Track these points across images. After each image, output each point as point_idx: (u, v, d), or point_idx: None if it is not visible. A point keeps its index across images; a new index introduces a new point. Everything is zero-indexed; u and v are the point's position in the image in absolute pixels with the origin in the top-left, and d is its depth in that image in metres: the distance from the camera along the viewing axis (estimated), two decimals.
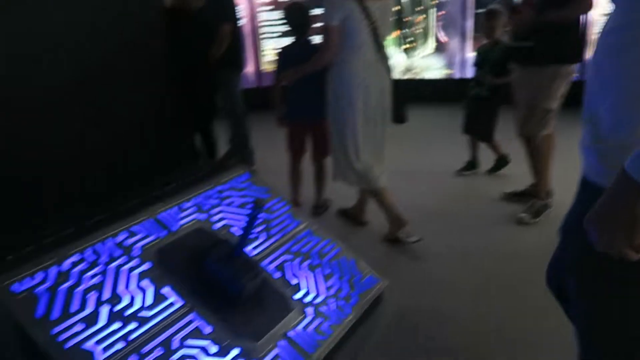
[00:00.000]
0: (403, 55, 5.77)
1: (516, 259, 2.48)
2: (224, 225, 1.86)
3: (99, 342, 1.32)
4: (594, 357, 1.07)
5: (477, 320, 2.04)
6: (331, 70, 2.51)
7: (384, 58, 2.47)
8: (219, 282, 1.57)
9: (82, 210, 1.76)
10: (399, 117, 2.59)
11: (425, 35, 5.66)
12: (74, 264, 1.47)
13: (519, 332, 1.96)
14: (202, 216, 1.85)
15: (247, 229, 1.52)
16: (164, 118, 2.11)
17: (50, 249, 1.48)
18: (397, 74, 2.68)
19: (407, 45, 5.74)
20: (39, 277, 1.39)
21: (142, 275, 1.54)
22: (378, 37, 2.42)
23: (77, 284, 1.42)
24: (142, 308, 1.45)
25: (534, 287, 1.66)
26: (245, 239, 1.56)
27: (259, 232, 1.91)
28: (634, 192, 0.74)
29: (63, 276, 1.42)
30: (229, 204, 1.96)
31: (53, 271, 1.42)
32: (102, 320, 1.37)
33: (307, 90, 2.71)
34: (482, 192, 3.30)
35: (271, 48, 5.68)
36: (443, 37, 5.62)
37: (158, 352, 1.38)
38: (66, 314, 1.34)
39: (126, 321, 1.40)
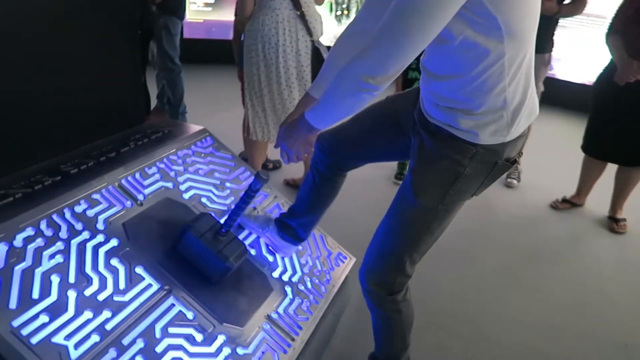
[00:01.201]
0: (334, 22, 5.65)
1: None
2: (193, 195, 1.67)
3: (70, 335, 1.11)
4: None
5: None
6: (246, 27, 2.37)
7: (302, 18, 2.32)
8: (201, 260, 1.41)
9: (28, 169, 1.45)
10: None
11: (359, 2, 5.58)
12: (28, 240, 1.20)
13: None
14: (169, 184, 1.64)
15: (241, 205, 1.37)
16: (117, 68, 1.80)
17: None
18: (323, 39, 2.49)
19: (339, 12, 5.63)
20: None
21: (110, 254, 1.32)
22: None
23: (35, 264, 1.17)
24: (114, 292, 1.25)
25: None
26: (236, 215, 1.40)
27: (228, 206, 1.75)
28: (308, 128, 1.14)
29: (16, 255, 1.16)
30: (195, 172, 1.76)
31: (2, 249, 1.15)
32: (71, 309, 1.15)
33: None
34: None
35: None
36: None
37: (140, 344, 1.20)
38: (27, 302, 1.10)
39: (99, 309, 1.19)
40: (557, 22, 2.82)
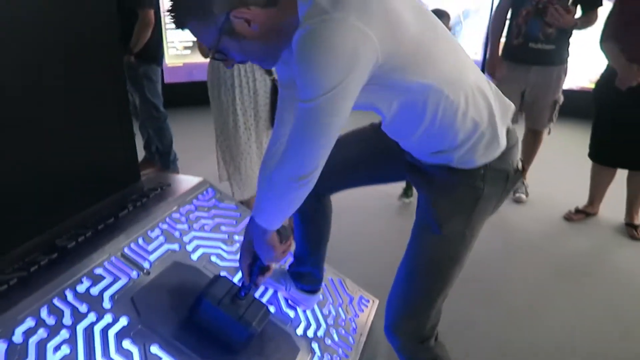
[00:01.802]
0: None
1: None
2: (202, 255, 1.55)
3: None
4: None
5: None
6: (207, 74, 2.36)
7: None
8: (221, 328, 1.28)
9: (20, 249, 1.32)
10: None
11: None
12: (28, 333, 1.07)
13: None
14: (175, 246, 1.52)
15: (261, 264, 1.25)
16: (106, 125, 1.69)
17: None
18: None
19: None
20: None
21: (120, 335, 1.18)
22: None
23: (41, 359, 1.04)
24: None
25: None
26: (256, 276, 1.28)
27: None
28: (262, 231, 1.12)
29: (17, 352, 1.02)
30: (200, 228, 1.65)
31: (1, 348, 1.01)
32: None
33: None
34: None
35: (179, 40, 5.16)
36: None
37: None
38: None
39: None
40: (572, 34, 2.79)
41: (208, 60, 2.34)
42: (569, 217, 2.87)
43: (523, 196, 3.08)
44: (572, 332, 1.97)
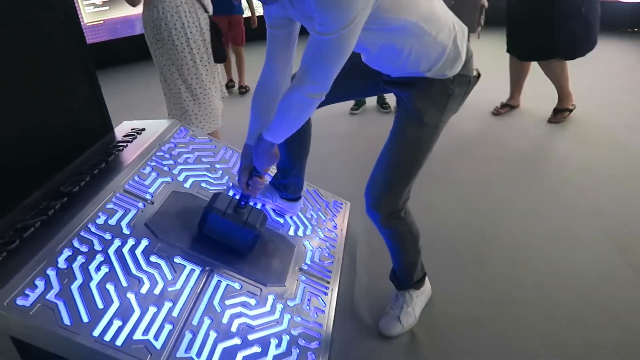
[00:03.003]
0: None
1: None
2: (193, 183, 1.72)
3: (146, 330, 1.17)
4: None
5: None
6: (144, 19, 2.35)
7: None
8: (229, 234, 1.48)
9: (28, 201, 1.43)
10: (217, 56, 2.49)
11: None
12: (70, 259, 1.23)
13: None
14: (167, 179, 1.67)
15: (257, 175, 1.45)
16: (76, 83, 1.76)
17: (28, 251, 1.20)
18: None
19: None
20: (40, 284, 1.13)
21: (146, 252, 1.36)
22: None
23: (87, 279, 1.20)
24: (166, 284, 1.31)
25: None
26: (254, 186, 1.48)
27: (225, 184, 1.82)
28: (270, 145, 1.34)
29: (67, 276, 1.18)
30: (184, 162, 1.80)
31: (52, 274, 1.17)
32: (137, 308, 1.20)
33: None
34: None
35: None
36: None
37: (207, 321, 1.28)
38: (97, 313, 1.14)
39: (160, 301, 1.25)
40: None
41: (135, 10, 2.29)
42: (496, 112, 3.24)
43: None
44: (517, 214, 2.35)
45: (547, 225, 2.16)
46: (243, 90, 4.47)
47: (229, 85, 4.47)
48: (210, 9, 2.45)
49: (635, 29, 4.85)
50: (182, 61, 2.38)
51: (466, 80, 1.38)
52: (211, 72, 2.49)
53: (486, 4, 3.20)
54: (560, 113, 3.12)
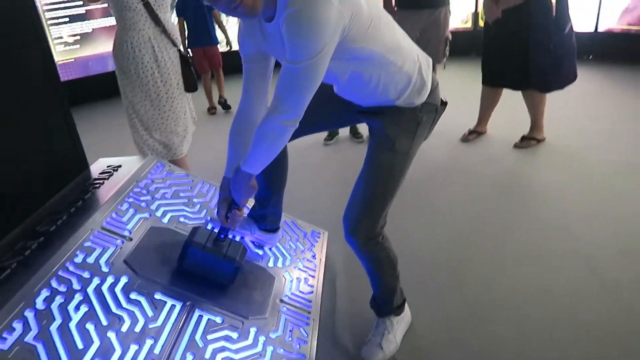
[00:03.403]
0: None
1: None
2: (171, 218, 1.73)
3: None
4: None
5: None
6: (114, 51, 2.47)
7: (165, 32, 2.46)
8: (209, 268, 1.49)
9: (3, 242, 1.42)
10: (188, 86, 2.63)
11: None
12: (48, 300, 1.21)
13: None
14: (145, 214, 1.67)
15: (236, 207, 1.47)
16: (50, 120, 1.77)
17: (4, 293, 1.19)
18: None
19: None
20: (18, 327, 1.11)
21: (126, 290, 1.35)
22: (154, 11, 2.41)
23: (66, 320, 1.19)
24: (147, 321, 1.30)
25: None
26: (233, 218, 1.49)
27: (204, 219, 1.83)
28: (248, 176, 1.36)
29: (46, 317, 1.17)
30: (162, 197, 1.81)
31: (30, 315, 1.15)
32: (117, 347, 1.19)
33: (199, 25, 4.40)
34: None
35: (69, 34, 4.93)
36: None
37: (190, 357, 1.27)
38: (76, 354, 1.13)
39: (141, 339, 1.24)
40: None
41: (107, 48, 2.44)
42: (465, 139, 3.36)
43: None
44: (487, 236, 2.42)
45: (518, 246, 2.23)
46: (222, 100, 4.83)
47: (211, 112, 4.83)
48: (179, 43, 2.56)
49: (589, 57, 5.15)
50: (145, 94, 2.48)
51: (433, 108, 1.46)
52: (180, 101, 2.59)
53: (450, 36, 3.36)
54: (527, 141, 3.26)
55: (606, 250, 2.14)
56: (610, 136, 3.36)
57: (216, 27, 4.60)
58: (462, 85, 3.63)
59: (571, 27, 2.96)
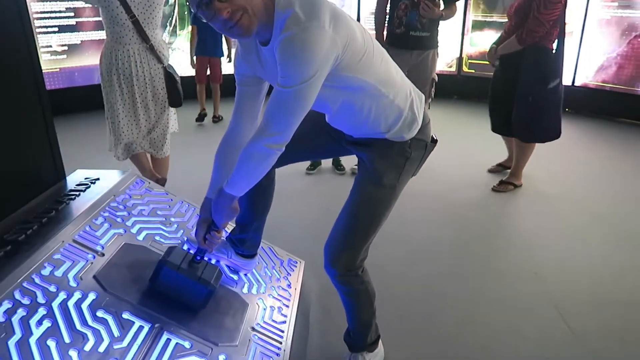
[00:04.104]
0: None
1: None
2: (146, 236, 1.68)
3: None
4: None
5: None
6: (101, 60, 2.64)
7: (152, 49, 2.61)
8: (182, 289, 1.44)
9: None
10: (172, 101, 2.78)
11: None
12: (9, 312, 1.15)
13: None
14: (120, 230, 1.63)
15: (215, 229, 1.44)
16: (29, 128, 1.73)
17: None
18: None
19: None
20: None
21: (93, 307, 1.30)
22: (142, 29, 2.54)
23: (27, 334, 1.13)
24: (112, 341, 1.24)
25: None
26: (210, 240, 1.46)
27: (180, 239, 1.79)
28: (230, 198, 1.35)
29: (5, 329, 1.11)
30: (139, 214, 1.77)
31: None
32: None
33: (208, 36, 4.70)
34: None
35: (58, 43, 4.90)
36: None
37: None
38: None
39: None
40: (439, 23, 3.36)
41: (93, 60, 2.64)
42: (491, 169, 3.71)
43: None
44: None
45: (491, 288, 2.25)
46: (216, 119, 5.08)
47: (202, 115, 5.05)
48: (165, 60, 2.70)
49: (567, 109, 5.35)
50: (125, 103, 2.67)
51: (423, 144, 1.47)
52: (157, 115, 2.77)
53: (436, 78, 3.45)
54: (505, 185, 3.33)
55: (576, 298, 2.17)
56: (585, 186, 3.46)
57: (223, 40, 4.85)
58: (442, 127, 3.70)
59: (559, 84, 3.05)
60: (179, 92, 2.76)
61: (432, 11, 3.21)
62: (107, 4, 2.46)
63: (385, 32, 3.43)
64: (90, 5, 2.64)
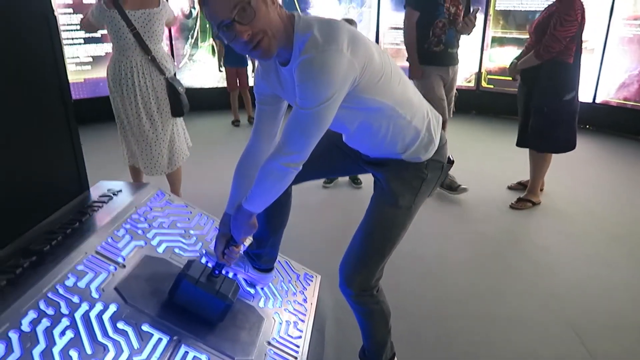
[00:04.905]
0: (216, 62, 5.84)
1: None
2: (166, 249, 1.71)
3: None
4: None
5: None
6: (108, 73, 2.79)
7: (154, 61, 2.74)
8: (200, 303, 1.47)
9: (3, 256, 1.40)
10: (174, 111, 2.87)
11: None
12: (34, 322, 1.19)
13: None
14: (141, 242, 1.66)
15: (234, 244, 1.46)
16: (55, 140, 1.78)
17: None
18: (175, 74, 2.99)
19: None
20: (0, 347, 1.08)
21: (114, 318, 1.33)
22: (143, 41, 2.68)
23: (50, 344, 1.16)
24: (132, 354, 1.27)
25: None
26: (230, 255, 1.49)
27: (199, 252, 1.82)
28: (249, 215, 1.37)
29: (30, 339, 1.14)
30: (159, 226, 1.80)
31: (14, 337, 1.12)
32: None
33: (230, 50, 4.79)
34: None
35: (84, 55, 5.04)
36: None
37: None
38: None
39: None
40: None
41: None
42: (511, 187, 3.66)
43: (463, 186, 3.47)
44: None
45: (508, 308, 2.22)
46: (251, 120, 5.40)
47: (235, 124, 5.54)
48: (167, 72, 2.81)
49: (587, 126, 5.29)
50: (128, 112, 2.80)
51: (439, 165, 1.47)
52: (163, 125, 2.87)
53: (457, 93, 3.47)
54: (523, 202, 3.31)
55: (594, 320, 2.13)
56: (605, 205, 3.41)
57: None
58: (461, 143, 3.70)
59: (575, 96, 3.07)
60: (181, 102, 2.86)
61: (473, 27, 3.24)
62: (111, 19, 2.64)
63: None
64: (103, 26, 2.75)
